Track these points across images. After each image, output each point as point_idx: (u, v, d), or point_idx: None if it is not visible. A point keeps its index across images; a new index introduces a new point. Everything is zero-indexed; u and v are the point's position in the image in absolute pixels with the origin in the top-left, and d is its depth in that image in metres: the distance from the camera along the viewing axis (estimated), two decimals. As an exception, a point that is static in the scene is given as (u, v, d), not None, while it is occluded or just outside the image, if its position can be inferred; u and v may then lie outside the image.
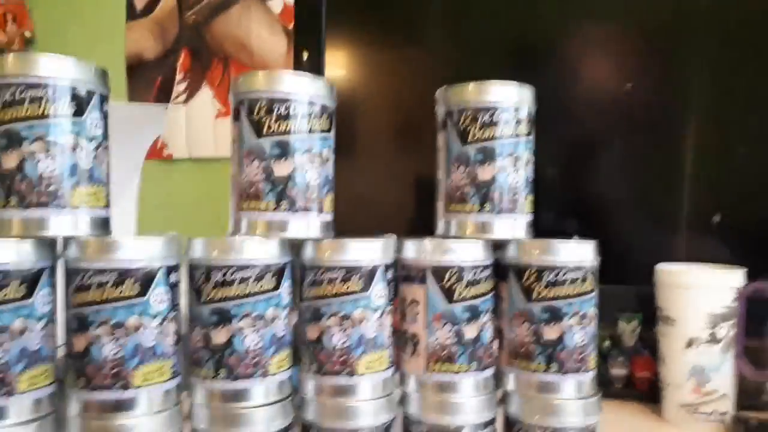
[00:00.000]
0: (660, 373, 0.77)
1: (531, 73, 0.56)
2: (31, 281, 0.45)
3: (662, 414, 0.77)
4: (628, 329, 0.85)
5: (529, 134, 0.54)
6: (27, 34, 1.60)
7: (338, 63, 1.09)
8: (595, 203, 0.94)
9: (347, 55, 1.11)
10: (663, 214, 0.90)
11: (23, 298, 0.45)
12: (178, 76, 1.41)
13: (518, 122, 0.52)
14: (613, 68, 0.92)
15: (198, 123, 1.39)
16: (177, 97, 1.41)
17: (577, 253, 0.51)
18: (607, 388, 0.84)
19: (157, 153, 1.42)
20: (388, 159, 1.06)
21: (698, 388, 0.72)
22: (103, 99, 0.48)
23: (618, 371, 0.84)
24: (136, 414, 0.46)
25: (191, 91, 1.40)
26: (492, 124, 0.51)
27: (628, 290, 0.86)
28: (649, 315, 0.82)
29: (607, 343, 0.86)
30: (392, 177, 1.04)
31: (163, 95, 1.42)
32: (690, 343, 0.72)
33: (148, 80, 1.45)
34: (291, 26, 1.28)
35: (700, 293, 0.71)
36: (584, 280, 0.51)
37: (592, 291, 0.52)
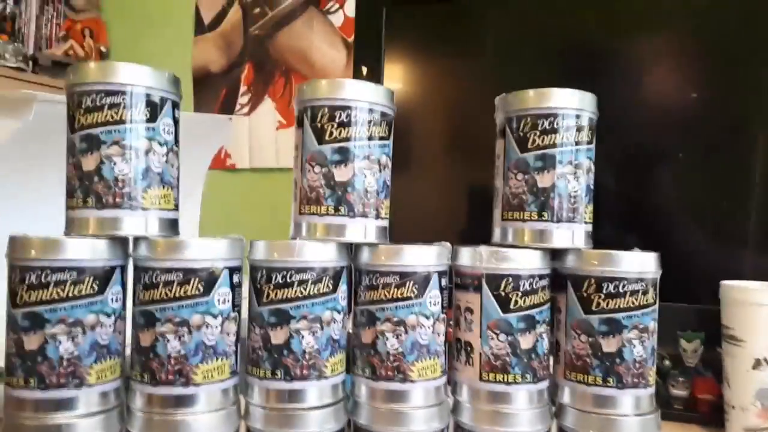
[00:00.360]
0: (724, 395, 0.74)
1: (591, 83, 0.55)
2: (103, 278, 0.48)
3: (727, 438, 0.74)
4: (690, 348, 0.82)
5: (590, 142, 0.53)
6: (102, 48, 1.69)
7: (397, 76, 1.11)
8: (657, 217, 0.91)
9: (406, 68, 1.12)
10: (728, 230, 0.87)
11: (96, 294, 0.47)
12: (242, 89, 1.46)
13: (579, 129, 0.52)
14: (678, 77, 0.90)
15: (260, 134, 1.44)
16: (240, 109, 1.46)
17: (639, 264, 0.50)
18: (666, 409, 0.81)
19: (220, 163, 1.48)
20: (445, 170, 1.07)
21: (765, 411, 0.69)
22: (175, 105, 0.51)
23: (678, 392, 0.81)
24: (196, 410, 0.48)
25: (254, 104, 1.45)
26: (552, 131, 0.51)
27: (690, 308, 0.83)
28: (712, 334, 0.79)
29: (667, 362, 0.83)
30: (449, 188, 1.04)
31: (228, 107, 1.47)
32: (757, 364, 0.69)
33: (214, 92, 1.51)
34: (351, 39, 1.31)
35: (769, 312, 0.68)
36: (645, 292, 0.50)
37: (653, 303, 0.50)
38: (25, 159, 0.88)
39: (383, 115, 0.52)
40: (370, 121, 0.51)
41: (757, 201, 0.85)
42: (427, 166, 1.07)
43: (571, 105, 0.51)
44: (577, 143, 0.52)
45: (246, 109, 1.45)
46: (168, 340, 0.47)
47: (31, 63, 1.58)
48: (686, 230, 0.90)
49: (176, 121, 0.51)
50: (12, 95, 0.88)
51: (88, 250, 0.47)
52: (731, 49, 0.85)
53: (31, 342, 0.46)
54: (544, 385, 0.52)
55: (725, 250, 0.87)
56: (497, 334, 0.51)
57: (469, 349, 0.52)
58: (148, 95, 0.48)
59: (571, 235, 0.52)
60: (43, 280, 0.46)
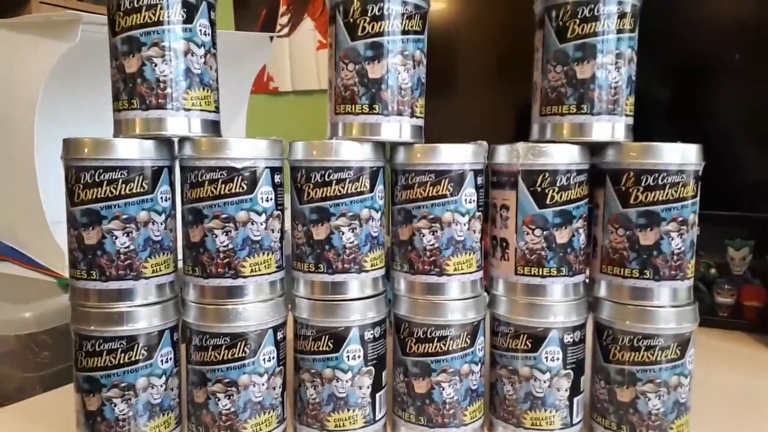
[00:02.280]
0: (771, 300, 0.73)
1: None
2: (152, 178, 0.50)
3: (771, 342, 0.74)
4: (738, 257, 0.81)
5: (632, 30, 0.51)
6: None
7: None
8: (707, 124, 0.88)
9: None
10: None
11: (146, 192, 0.50)
12: (282, 9, 1.44)
13: (621, 17, 0.50)
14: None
15: (300, 55, 1.43)
16: (281, 30, 1.45)
17: (680, 156, 0.49)
18: (712, 316, 0.81)
19: (263, 86, 1.48)
20: (492, 88, 1.04)
21: (813, 314, 0.68)
22: (211, 7, 0.51)
23: (724, 299, 0.80)
24: (245, 300, 0.50)
25: (294, 24, 1.44)
26: (593, 18, 0.49)
27: (739, 217, 0.81)
28: (761, 243, 0.77)
29: (714, 270, 0.83)
30: (496, 106, 1.03)
31: (268, 29, 1.46)
32: (807, 268, 0.68)
33: (254, 14, 1.50)
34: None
35: (822, 214, 0.66)
36: (686, 184, 0.49)
37: (694, 196, 0.49)
38: (77, 79, 0.91)
39: (417, 8, 0.51)
40: (403, 15, 0.50)
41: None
42: (470, 85, 1.05)
43: (613, -10, 0.49)
44: (619, 32, 0.50)
45: (286, 30, 1.44)
46: (216, 236, 0.49)
47: (76, -9, 1.60)
48: (738, 138, 0.86)
49: (212, 23, 0.51)
50: (58, 18, 0.90)
51: (136, 150, 0.49)
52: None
53: (91, 237, 0.49)
54: (580, 278, 0.53)
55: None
56: (532, 230, 0.51)
57: (504, 245, 0.53)
58: (184, -5, 0.49)
59: (611, 127, 0.51)
60: (96, 179, 0.48)
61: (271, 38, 1.23)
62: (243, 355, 0.50)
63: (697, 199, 0.50)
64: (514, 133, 0.95)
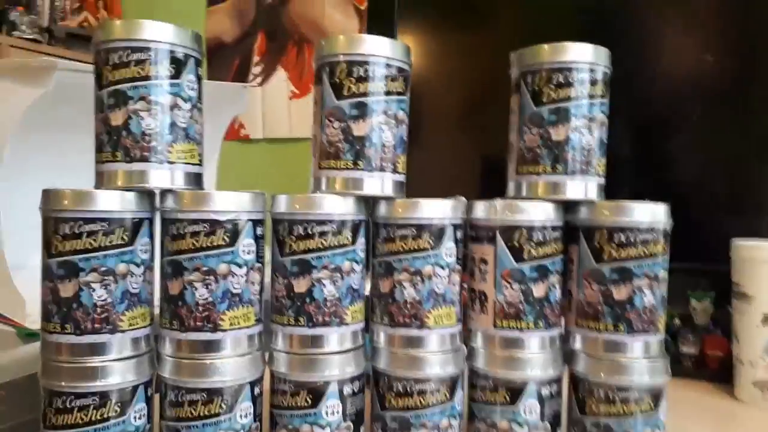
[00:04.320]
0: (733, 351, 0.76)
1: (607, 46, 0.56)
2: (132, 229, 0.49)
3: (734, 393, 0.76)
4: (701, 308, 0.83)
5: (604, 96, 0.54)
6: (116, 21, 1.70)
7: (410, 44, 1.11)
8: (669, 179, 0.92)
9: (419, 37, 1.13)
10: (739, 191, 0.88)
11: (126, 244, 0.49)
12: (255, 59, 1.47)
13: (593, 83, 0.53)
14: (694, 38, 0.90)
15: (273, 104, 1.45)
16: (253, 79, 1.47)
17: (650, 214, 0.51)
18: (677, 366, 0.83)
19: (234, 134, 1.49)
20: (459, 140, 1.07)
21: (774, 365, 0.71)
22: (198, 63, 0.52)
23: (688, 349, 0.83)
24: (223, 355, 0.50)
25: (267, 74, 1.46)
26: (567, 84, 0.52)
27: (701, 269, 0.85)
28: (722, 294, 0.80)
29: (677, 321, 0.85)
30: (462, 158, 1.05)
31: (241, 77, 1.48)
32: (766, 320, 0.71)
33: (227, 63, 1.52)
34: (363, 6, 1.31)
35: (778, 268, 0.69)
36: (656, 242, 0.51)
37: (663, 253, 0.52)
38: (49, 123, 0.90)
39: (400, 70, 0.53)
40: (387, 77, 0.52)
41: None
42: (442, 138, 1.08)
43: (585, 59, 0.52)
44: (591, 97, 0.53)
45: (259, 80, 1.46)
46: (196, 288, 0.49)
47: (46, 35, 1.59)
48: (699, 193, 0.91)
49: (199, 78, 0.52)
50: (33, 63, 0.90)
51: (117, 202, 0.49)
52: (748, 11, 0.85)
53: (66, 290, 0.48)
54: (556, 331, 0.54)
55: (738, 212, 0.88)
56: (510, 284, 0.53)
57: (483, 298, 0.54)
58: (172, 52, 0.50)
59: (584, 187, 0.53)
60: (76, 230, 0.48)
61: (245, 87, 1.24)
62: (219, 411, 0.49)
63: (667, 255, 0.52)
64: (480, 185, 0.98)
